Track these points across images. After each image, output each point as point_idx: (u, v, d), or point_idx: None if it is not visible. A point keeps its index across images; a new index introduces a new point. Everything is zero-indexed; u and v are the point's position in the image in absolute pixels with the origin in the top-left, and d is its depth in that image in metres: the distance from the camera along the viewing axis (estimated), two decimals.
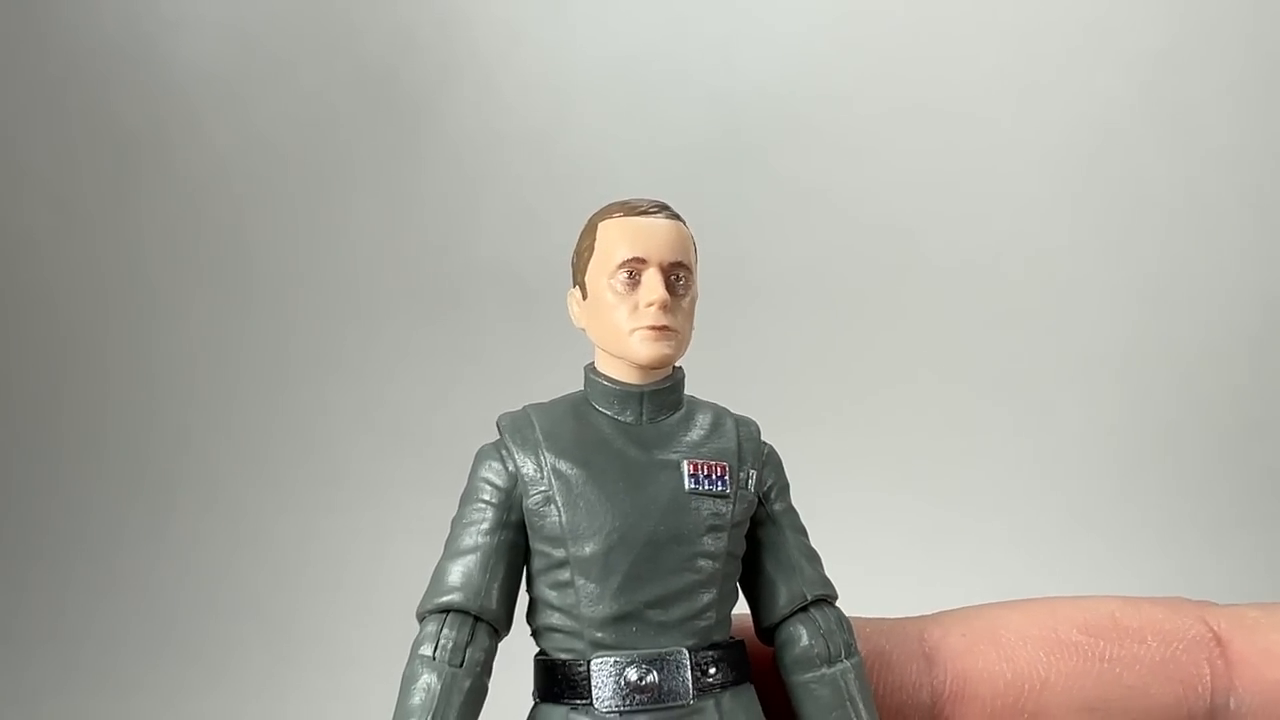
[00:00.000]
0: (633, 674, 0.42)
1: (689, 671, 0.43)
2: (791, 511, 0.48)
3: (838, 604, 0.48)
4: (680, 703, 0.42)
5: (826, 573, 0.48)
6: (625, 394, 0.46)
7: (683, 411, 0.47)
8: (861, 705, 0.45)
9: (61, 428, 1.69)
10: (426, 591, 0.45)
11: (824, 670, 0.45)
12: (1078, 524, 1.50)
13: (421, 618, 0.45)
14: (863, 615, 0.52)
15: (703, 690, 0.43)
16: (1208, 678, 0.48)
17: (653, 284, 0.44)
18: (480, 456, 0.46)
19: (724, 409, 0.48)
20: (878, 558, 1.41)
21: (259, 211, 1.71)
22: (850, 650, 0.46)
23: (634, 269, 0.45)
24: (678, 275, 0.45)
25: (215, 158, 1.71)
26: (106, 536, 1.60)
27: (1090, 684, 0.49)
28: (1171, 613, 0.50)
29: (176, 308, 1.70)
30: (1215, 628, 0.49)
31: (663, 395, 0.46)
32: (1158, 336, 1.59)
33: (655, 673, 0.42)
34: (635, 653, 0.42)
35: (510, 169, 1.66)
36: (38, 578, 1.57)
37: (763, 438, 0.48)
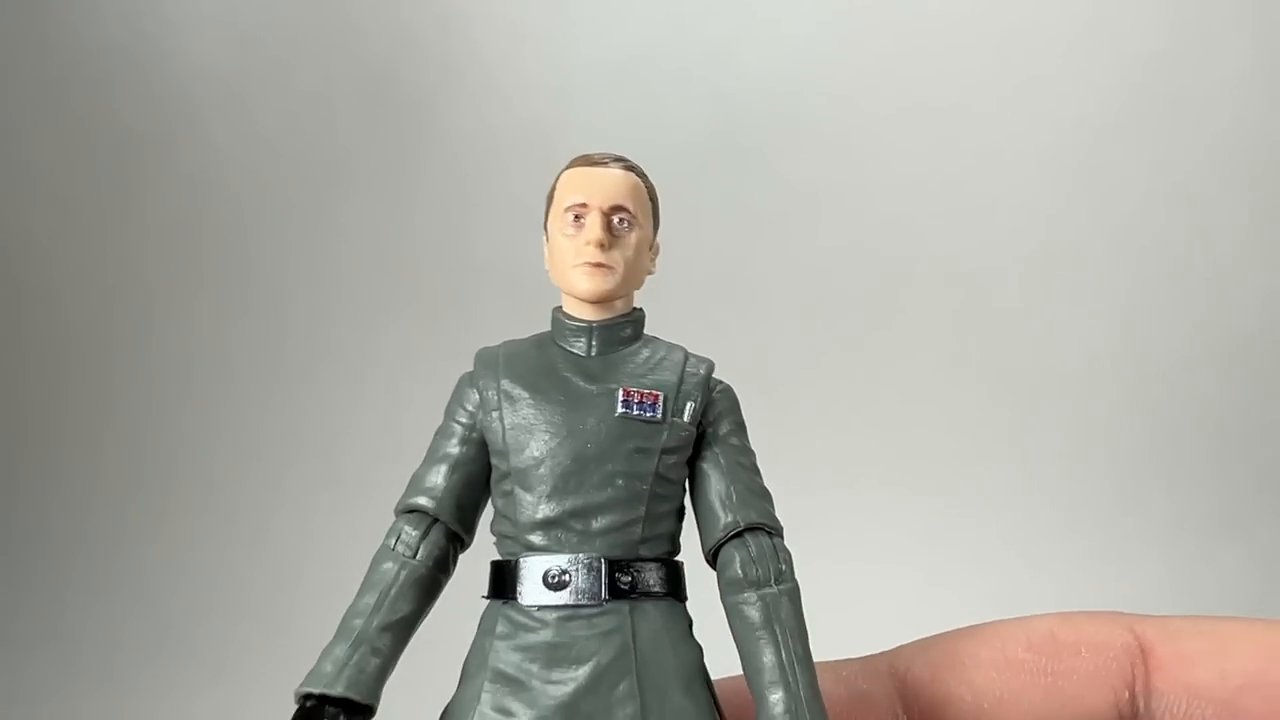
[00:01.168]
0: (552, 573, 0.47)
1: (603, 577, 0.47)
2: (740, 449, 0.51)
3: (778, 536, 0.50)
4: (594, 603, 0.47)
5: (774, 510, 0.50)
6: (578, 328, 0.51)
7: (635, 346, 0.51)
8: (786, 629, 0.47)
9: (61, 428, 1.69)
10: (403, 492, 0.52)
11: (750, 593, 0.48)
12: (1076, 523, 1.50)
13: (396, 513, 0.51)
14: (830, 659, 0.54)
15: (618, 594, 0.47)
16: (1133, 683, 0.53)
17: (593, 225, 0.50)
18: (457, 384, 0.53)
19: (682, 349, 0.52)
20: (877, 557, 1.41)
21: (259, 211, 1.71)
22: (781, 577, 0.48)
23: (579, 212, 0.50)
24: (620, 218, 0.50)
25: (216, 157, 1.71)
26: (105, 536, 1.60)
27: (1038, 697, 0.53)
28: (1103, 625, 0.55)
29: (176, 307, 1.70)
30: (1140, 636, 0.54)
31: (611, 330, 0.51)
32: (1157, 336, 1.59)
33: (571, 574, 0.47)
34: (559, 556, 0.47)
35: (510, 169, 1.65)
36: (38, 578, 1.57)
37: (716, 376, 0.52)
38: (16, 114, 1.72)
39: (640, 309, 0.53)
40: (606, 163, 0.51)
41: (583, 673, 0.46)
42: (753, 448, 0.52)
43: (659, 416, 0.49)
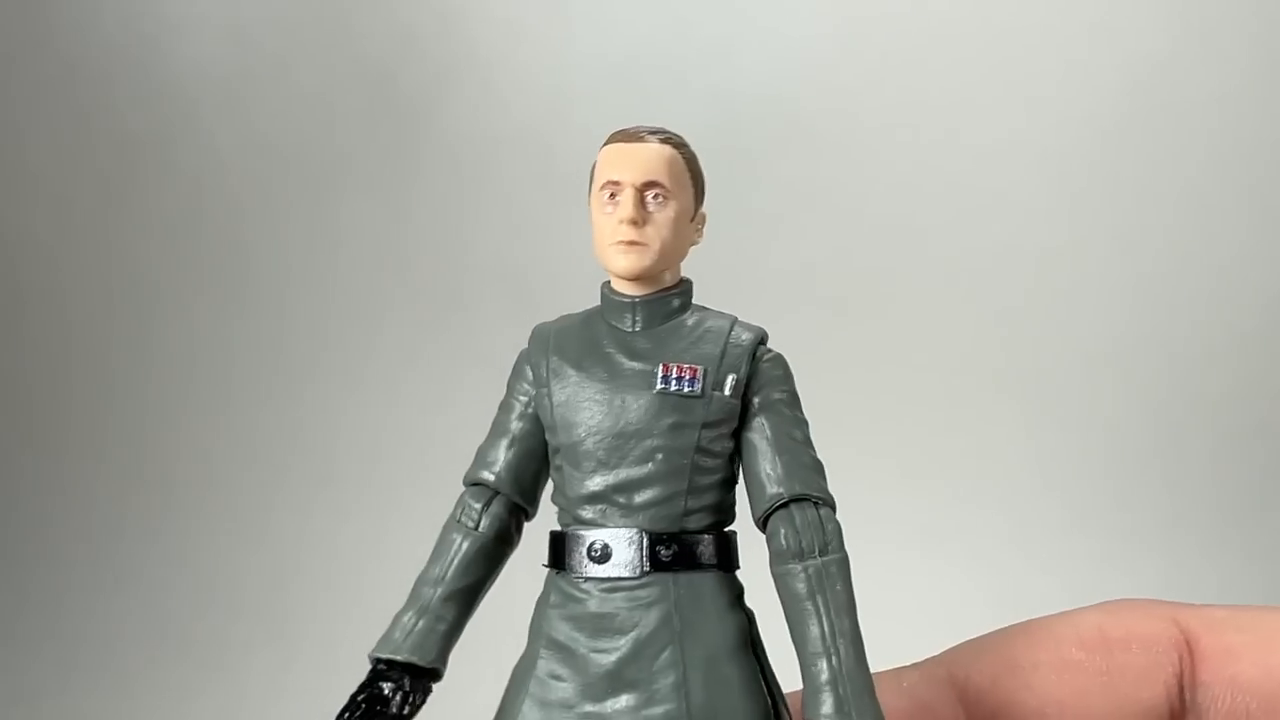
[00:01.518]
0: (596, 546, 0.48)
1: (644, 550, 0.48)
2: (790, 419, 0.51)
3: (826, 508, 0.50)
4: (635, 575, 0.48)
5: (824, 482, 0.50)
6: (621, 304, 0.51)
7: (680, 320, 0.51)
8: (830, 601, 0.47)
9: (61, 427, 1.69)
10: (469, 466, 0.53)
11: (795, 565, 0.48)
12: (1077, 523, 1.50)
13: (464, 485, 0.53)
14: (895, 665, 0.54)
15: (659, 567, 0.48)
16: (1181, 675, 0.53)
17: (626, 202, 0.49)
18: (517, 359, 0.53)
19: (732, 319, 0.52)
20: (877, 557, 1.41)
21: (259, 211, 1.71)
22: (825, 549, 0.48)
23: (614, 190, 0.50)
24: (655, 194, 0.50)
25: (215, 158, 1.71)
26: (106, 536, 1.60)
27: (1096, 697, 0.52)
28: (1147, 617, 0.54)
29: (176, 307, 1.70)
30: (1184, 628, 0.53)
31: (654, 305, 0.51)
32: (1157, 336, 1.59)
33: (614, 547, 0.48)
34: (604, 530, 0.48)
35: (510, 169, 1.66)
36: (39, 578, 1.57)
37: (768, 345, 0.52)
38: (17, 114, 1.72)
39: (688, 280, 0.52)
40: (643, 137, 0.51)
41: (625, 642, 0.47)
42: (805, 418, 0.51)
43: (698, 391, 0.49)
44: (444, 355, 1.64)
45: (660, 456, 0.48)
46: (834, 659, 0.46)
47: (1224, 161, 1.60)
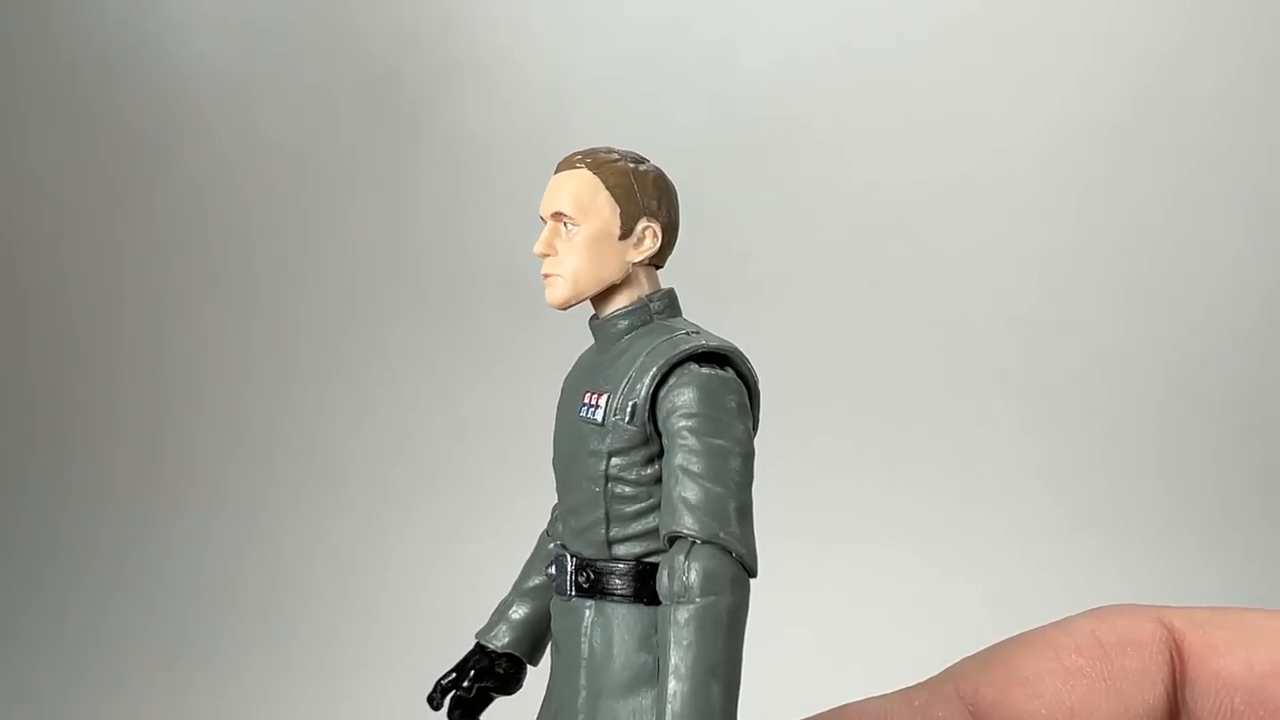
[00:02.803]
0: (550, 567, 0.51)
1: (570, 574, 0.49)
2: (688, 448, 0.45)
3: (707, 545, 0.44)
4: (565, 598, 0.49)
5: (716, 512, 0.44)
6: (591, 328, 0.52)
7: (627, 340, 0.49)
8: (671, 647, 0.43)
9: (64, 429, 1.69)
10: None
11: (666, 605, 0.44)
12: (1076, 523, 1.50)
13: None
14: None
15: (581, 592, 0.48)
16: (1173, 673, 0.53)
17: (540, 238, 0.50)
18: None
19: (671, 337, 0.48)
20: (876, 557, 1.41)
21: (260, 210, 1.71)
22: (686, 595, 0.43)
23: (542, 224, 0.51)
24: (564, 223, 0.50)
25: (217, 157, 1.71)
26: (109, 537, 1.60)
27: (1101, 703, 0.53)
28: (1136, 621, 0.54)
29: (177, 307, 1.70)
30: (1170, 627, 0.54)
31: (604, 328, 0.51)
32: (1157, 336, 1.59)
33: (557, 568, 0.50)
34: (561, 551, 0.50)
35: (511, 169, 1.66)
36: (41, 578, 1.57)
37: (691, 365, 0.47)
38: (17, 114, 1.72)
39: (652, 297, 0.50)
40: (568, 163, 0.52)
41: (559, 661, 0.50)
42: (719, 440, 0.45)
43: (598, 419, 0.48)
44: (444, 354, 1.64)
45: (584, 484, 0.48)
46: (663, 694, 0.43)
47: (1224, 162, 1.60)
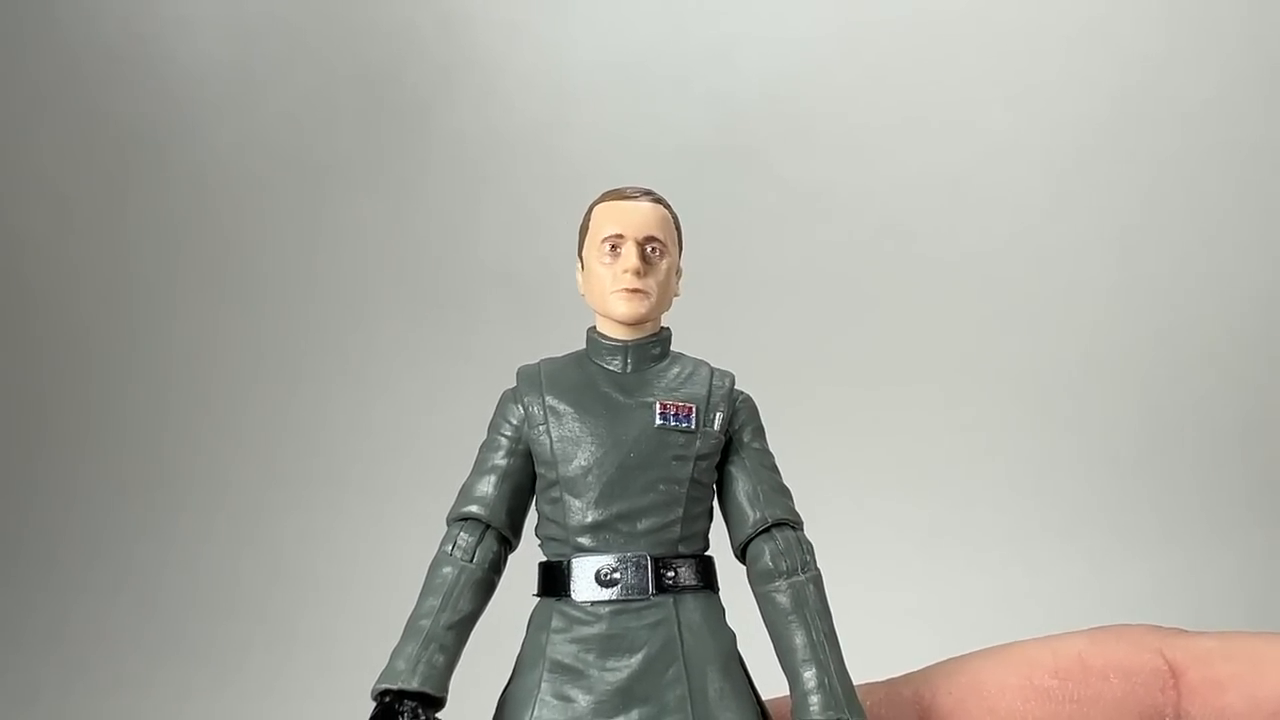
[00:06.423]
0: (604, 571, 0.52)
1: (650, 572, 0.52)
2: (762, 451, 0.56)
3: (800, 529, 0.55)
4: (642, 597, 0.52)
5: (795, 505, 0.55)
6: (614, 347, 0.56)
7: (665, 362, 0.56)
8: (814, 613, 0.52)
9: (63, 429, 1.69)
10: (454, 502, 0.56)
11: (780, 582, 0.53)
12: (1072, 527, 1.50)
13: (449, 522, 0.55)
14: (888, 665, 0.57)
15: (662, 589, 0.52)
16: (1163, 709, 0.53)
17: (629, 254, 0.54)
18: (500, 400, 0.57)
19: (707, 365, 0.57)
20: (876, 557, 1.41)
21: (259, 211, 1.71)
22: (806, 567, 0.54)
23: (615, 243, 0.55)
24: (652, 247, 0.55)
25: (216, 157, 1.71)
26: (109, 537, 1.60)
27: None
28: (1132, 648, 0.55)
29: (177, 307, 1.70)
30: (1170, 659, 0.54)
31: (644, 348, 0.56)
32: (1157, 337, 1.59)
33: (621, 571, 0.52)
34: (607, 555, 0.52)
35: (511, 169, 1.66)
36: (41, 579, 1.57)
37: (738, 387, 0.57)
38: (16, 114, 1.72)
39: (667, 328, 0.57)
40: (637, 196, 0.56)
41: (635, 660, 0.51)
42: (772, 450, 0.57)
43: (693, 426, 0.54)
44: (444, 354, 1.64)
45: (662, 487, 0.53)
46: (821, 664, 0.51)
47: (1222, 162, 1.60)
